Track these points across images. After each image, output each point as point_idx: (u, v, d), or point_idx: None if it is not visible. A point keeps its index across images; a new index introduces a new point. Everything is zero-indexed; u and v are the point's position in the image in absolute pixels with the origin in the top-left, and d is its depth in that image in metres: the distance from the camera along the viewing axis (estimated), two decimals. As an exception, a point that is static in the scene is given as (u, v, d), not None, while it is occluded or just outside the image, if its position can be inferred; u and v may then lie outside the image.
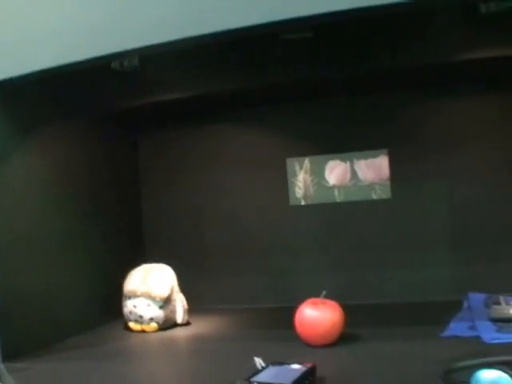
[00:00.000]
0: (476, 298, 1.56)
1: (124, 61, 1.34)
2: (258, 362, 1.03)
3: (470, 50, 1.43)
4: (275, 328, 1.50)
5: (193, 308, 1.69)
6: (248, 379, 0.92)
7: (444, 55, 1.45)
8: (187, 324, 1.65)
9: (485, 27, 1.38)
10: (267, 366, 1.02)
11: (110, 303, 1.67)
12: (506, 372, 0.78)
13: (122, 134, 1.96)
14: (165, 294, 1.58)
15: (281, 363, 1.02)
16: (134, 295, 1.58)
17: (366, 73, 1.59)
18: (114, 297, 1.64)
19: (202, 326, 1.63)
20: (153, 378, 1.16)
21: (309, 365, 1.00)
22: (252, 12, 1.04)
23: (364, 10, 0.99)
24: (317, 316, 1.25)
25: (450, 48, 1.44)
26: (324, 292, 1.30)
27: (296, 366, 0.99)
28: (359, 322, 1.45)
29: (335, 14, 1.01)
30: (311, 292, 1.34)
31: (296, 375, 0.94)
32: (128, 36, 1.12)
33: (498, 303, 1.44)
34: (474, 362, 0.92)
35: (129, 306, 1.59)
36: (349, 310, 1.31)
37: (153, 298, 1.57)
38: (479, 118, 1.74)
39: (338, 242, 1.84)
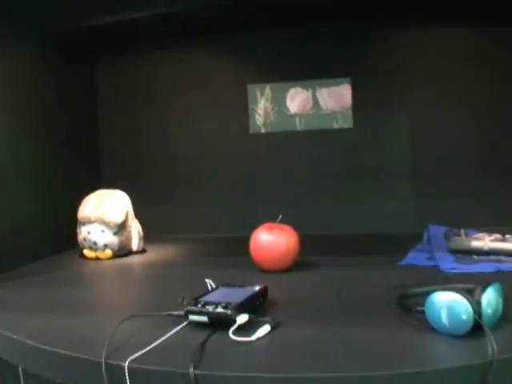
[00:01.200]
0: (436, 230, 1.57)
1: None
2: (209, 283, 1.01)
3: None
4: (230, 255, 1.49)
5: (149, 236, 1.68)
6: (196, 298, 0.90)
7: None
8: (143, 251, 1.63)
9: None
10: (217, 287, 1.00)
11: (64, 230, 1.63)
12: (462, 294, 0.76)
13: (79, 57, 1.88)
14: (119, 220, 1.55)
15: (232, 285, 1.01)
16: (88, 221, 1.55)
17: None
18: (69, 223, 1.60)
19: (158, 253, 1.61)
20: (107, 301, 1.13)
21: (260, 286, 0.98)
22: None
23: None
24: (271, 240, 1.24)
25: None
26: (280, 217, 1.28)
27: (246, 288, 0.97)
28: (317, 251, 1.46)
29: None
30: (269, 221, 1.31)
31: (246, 295, 0.92)
32: None
33: (459, 235, 1.44)
34: (428, 288, 0.91)
35: (83, 232, 1.56)
36: (307, 241, 1.31)
37: (107, 224, 1.54)
38: (444, 52, 1.72)
39: (298, 172, 1.82)
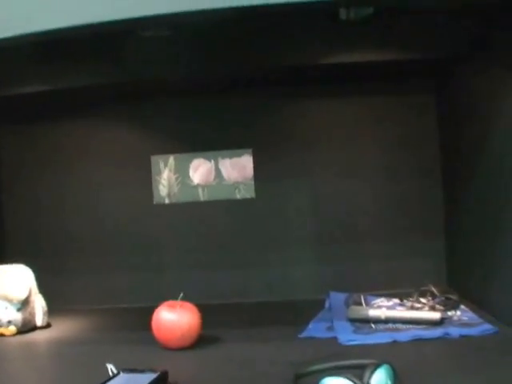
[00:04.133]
0: (337, 297, 1.60)
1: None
2: (110, 368, 1.01)
3: (328, 55, 1.47)
4: (135, 330, 1.47)
5: (54, 308, 1.64)
6: (95, 389, 0.90)
7: (303, 59, 1.48)
8: (47, 326, 1.60)
9: (344, 33, 1.42)
10: (118, 372, 1.00)
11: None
12: (350, 380, 0.79)
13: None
14: (22, 296, 1.52)
15: (132, 370, 1.01)
16: (-10, 298, 1.52)
17: (228, 73, 1.60)
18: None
19: (62, 328, 1.58)
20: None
21: (160, 372, 0.98)
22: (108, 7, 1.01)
23: (223, 10, 0.98)
24: (173, 319, 1.24)
25: (311, 52, 1.47)
26: (182, 294, 1.29)
27: (147, 374, 0.98)
28: (219, 322, 1.46)
29: (194, 14, 1.00)
30: (173, 291, 1.32)
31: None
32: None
33: (359, 303, 1.49)
34: (322, 366, 0.95)
35: (-15, 309, 1.53)
36: (210, 310, 1.31)
37: (10, 300, 1.51)
38: (338, 119, 1.80)
39: (202, 242, 1.84)
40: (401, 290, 1.57)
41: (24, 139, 1.94)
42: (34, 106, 1.85)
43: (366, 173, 1.78)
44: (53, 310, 1.63)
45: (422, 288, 1.52)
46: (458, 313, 1.39)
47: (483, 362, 1.04)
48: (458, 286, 1.61)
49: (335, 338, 1.26)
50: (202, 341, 1.28)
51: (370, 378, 0.81)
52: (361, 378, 0.81)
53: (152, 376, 0.97)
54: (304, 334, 1.32)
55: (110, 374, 1.00)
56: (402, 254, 1.76)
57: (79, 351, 1.33)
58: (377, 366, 0.84)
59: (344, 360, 0.98)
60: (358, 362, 0.93)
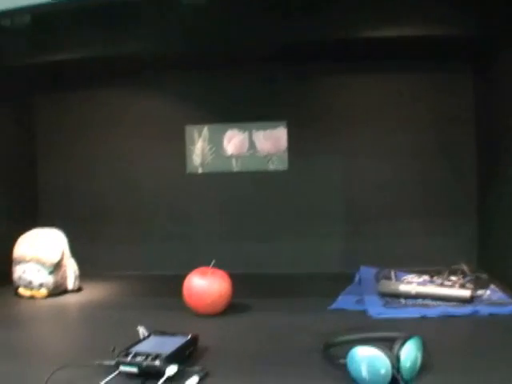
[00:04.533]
0: (367, 271, 1.61)
1: (15, 18, 1.28)
2: (141, 331, 1.03)
3: (368, 29, 1.45)
4: (165, 296, 1.50)
5: (85, 273, 1.67)
6: (126, 349, 0.92)
7: (343, 32, 1.47)
8: (78, 290, 1.62)
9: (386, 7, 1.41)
10: (149, 335, 1.02)
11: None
12: (381, 350, 0.80)
13: (18, 94, 1.89)
14: (55, 260, 1.55)
15: (163, 333, 1.02)
16: (24, 260, 1.54)
17: (268, 44, 1.59)
18: (4, 262, 1.59)
19: (94, 292, 1.61)
20: (39, 347, 1.13)
21: (191, 335, 1.00)
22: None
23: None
24: (204, 285, 1.26)
25: (351, 25, 1.46)
26: (213, 261, 1.30)
27: (178, 337, 0.99)
28: (250, 292, 1.48)
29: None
30: (204, 260, 1.33)
31: (176, 346, 0.94)
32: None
33: (389, 278, 1.48)
34: (352, 337, 0.95)
35: (18, 271, 1.55)
36: (240, 280, 1.32)
37: (42, 264, 1.53)
38: (375, 95, 1.79)
39: (234, 212, 1.85)
40: (431, 268, 1.56)
41: (60, 107, 1.96)
42: (70, 75, 1.86)
43: (399, 150, 1.77)
44: (84, 274, 1.66)
45: (453, 266, 1.51)
46: (488, 292, 1.38)
47: (510, 341, 1.04)
48: (489, 266, 1.60)
49: (364, 311, 1.27)
50: (232, 308, 1.30)
51: (399, 349, 0.81)
52: (391, 349, 0.81)
53: (183, 339, 0.98)
54: (333, 306, 1.33)
55: (141, 336, 1.01)
56: (432, 232, 1.75)
57: (110, 314, 1.35)
58: (407, 338, 0.84)
59: (374, 332, 0.99)
60: (388, 335, 0.94)
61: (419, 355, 0.85)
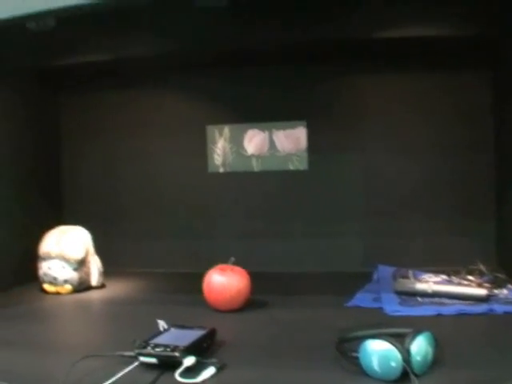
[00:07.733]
0: (385, 270, 1.62)
1: (39, 21, 1.31)
2: (161, 324, 1.06)
3: (387, 29, 1.47)
4: (186, 292, 1.52)
5: (109, 270, 1.70)
6: (146, 340, 0.95)
7: (364, 32, 1.48)
8: (102, 287, 1.65)
9: (404, 7, 1.42)
10: (169, 328, 1.05)
11: (25, 264, 1.65)
12: (392, 343, 0.82)
13: (44, 94, 1.93)
14: (79, 256, 1.59)
15: (182, 326, 1.05)
16: (49, 257, 1.58)
17: (287, 44, 1.61)
18: (30, 258, 1.63)
19: (117, 288, 1.64)
20: (63, 339, 1.17)
21: (208, 329, 1.03)
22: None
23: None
24: (223, 282, 1.29)
25: (371, 25, 1.47)
26: (232, 259, 1.33)
27: (196, 330, 1.02)
28: (268, 289, 1.49)
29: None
30: (225, 258, 1.36)
31: (194, 338, 0.97)
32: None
33: (406, 277, 1.49)
34: (366, 332, 0.97)
35: (43, 267, 1.59)
36: (260, 278, 1.34)
37: (67, 260, 1.57)
38: (396, 95, 1.79)
39: (253, 211, 1.87)
40: (449, 268, 1.56)
41: (85, 107, 1.99)
42: (96, 76, 1.90)
43: (418, 148, 1.77)
44: (108, 271, 1.69)
45: (471, 266, 1.52)
46: (505, 291, 1.38)
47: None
48: (508, 266, 1.60)
49: (381, 309, 1.28)
50: (250, 305, 1.33)
51: (410, 343, 0.83)
52: (402, 343, 0.83)
53: (201, 332, 1.01)
54: (350, 303, 1.35)
55: (161, 329, 1.04)
56: (451, 231, 1.75)
57: (132, 310, 1.39)
58: (418, 333, 0.86)
59: (387, 328, 1.01)
60: (401, 331, 0.95)
61: (430, 350, 0.87)
